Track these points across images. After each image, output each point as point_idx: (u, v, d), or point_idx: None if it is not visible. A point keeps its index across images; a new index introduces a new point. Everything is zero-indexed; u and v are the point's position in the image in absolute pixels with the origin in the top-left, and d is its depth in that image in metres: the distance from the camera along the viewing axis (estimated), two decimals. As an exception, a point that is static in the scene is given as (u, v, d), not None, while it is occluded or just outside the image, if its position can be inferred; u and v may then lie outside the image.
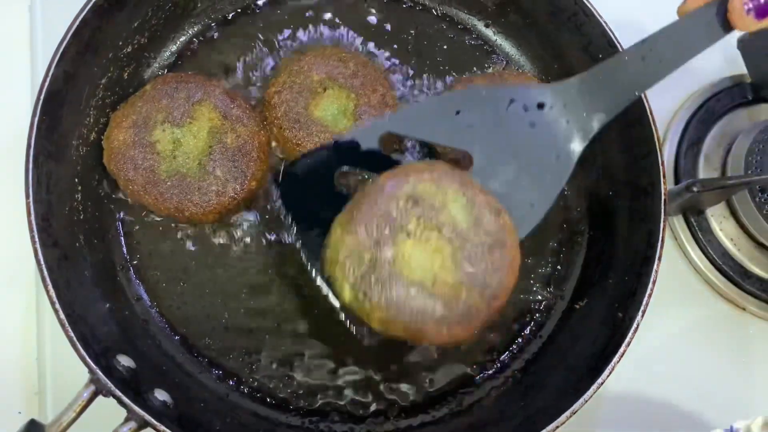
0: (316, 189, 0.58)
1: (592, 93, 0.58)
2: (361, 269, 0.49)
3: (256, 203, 0.69)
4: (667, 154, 0.81)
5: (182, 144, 0.66)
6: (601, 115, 0.58)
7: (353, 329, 0.65)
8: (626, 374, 0.72)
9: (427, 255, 0.50)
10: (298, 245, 0.58)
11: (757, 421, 0.62)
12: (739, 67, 0.83)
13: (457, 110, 0.57)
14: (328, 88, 0.69)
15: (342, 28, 0.76)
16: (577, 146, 0.59)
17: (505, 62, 0.78)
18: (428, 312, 0.50)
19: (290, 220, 0.58)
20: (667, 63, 0.58)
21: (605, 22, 0.69)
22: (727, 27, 0.55)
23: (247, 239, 0.69)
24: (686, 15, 0.56)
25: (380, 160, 0.57)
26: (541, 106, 0.57)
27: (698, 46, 0.57)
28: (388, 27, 0.77)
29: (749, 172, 0.76)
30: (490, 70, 0.78)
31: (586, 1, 0.69)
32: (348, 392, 0.66)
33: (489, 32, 0.79)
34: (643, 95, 0.66)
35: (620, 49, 0.68)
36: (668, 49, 0.57)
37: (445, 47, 0.77)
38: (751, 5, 0.49)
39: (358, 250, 0.49)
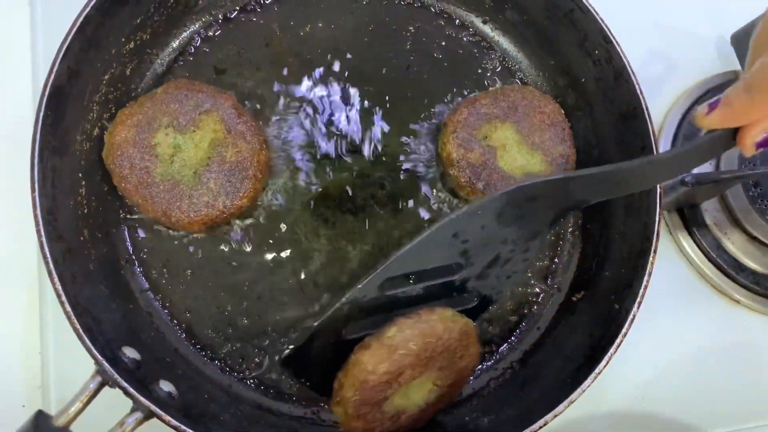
0: (322, 355, 0.58)
1: (581, 188, 0.57)
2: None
3: (247, 216, 0.70)
4: (662, 149, 0.82)
5: (182, 150, 0.66)
6: (584, 201, 0.59)
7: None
8: (621, 366, 0.72)
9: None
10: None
11: None
12: (733, 63, 0.84)
13: (454, 233, 0.57)
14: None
15: (344, 28, 0.77)
16: (555, 221, 0.61)
17: (501, 58, 0.79)
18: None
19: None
20: (664, 176, 0.59)
21: (601, 18, 0.70)
22: (729, 146, 0.55)
23: (248, 238, 0.69)
24: (708, 138, 0.55)
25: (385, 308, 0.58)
26: (532, 199, 0.57)
27: (698, 163, 0.58)
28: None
29: (743, 166, 0.77)
30: (488, 66, 0.79)
31: (582, -2, 0.70)
32: (349, 384, 0.67)
33: (486, 29, 0.80)
34: (638, 89, 0.68)
35: (615, 45, 0.69)
36: (673, 165, 0.57)
37: (443, 44, 0.78)
38: (759, 139, 0.51)
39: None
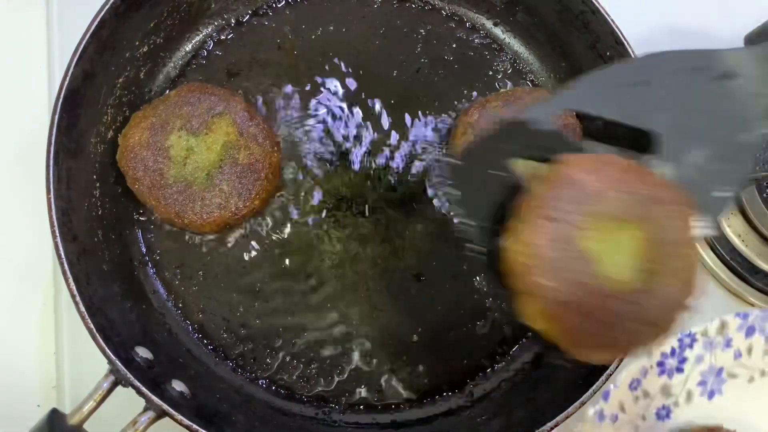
0: (484, 179, 0.48)
1: None
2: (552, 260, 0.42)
3: (259, 218, 0.70)
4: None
5: (195, 153, 0.66)
6: None
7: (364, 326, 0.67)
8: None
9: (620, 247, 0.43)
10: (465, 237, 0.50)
11: (714, 323, 0.62)
12: (747, 65, 0.84)
13: (639, 81, 0.49)
14: None
15: (356, 32, 0.77)
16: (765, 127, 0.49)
17: (512, 60, 0.79)
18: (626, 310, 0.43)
19: (459, 211, 0.50)
20: None
21: (612, 20, 0.69)
22: None
23: (260, 239, 0.70)
24: None
25: (557, 144, 0.49)
26: (731, 75, 0.49)
27: None
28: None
29: (756, 168, 0.77)
30: (499, 68, 0.79)
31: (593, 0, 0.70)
32: (359, 384, 0.67)
33: (497, 31, 0.80)
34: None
35: (627, 46, 0.68)
36: None
37: (454, 46, 0.78)
38: None
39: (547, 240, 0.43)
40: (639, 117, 0.49)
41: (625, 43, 0.69)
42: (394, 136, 0.74)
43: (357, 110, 0.74)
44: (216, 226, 0.66)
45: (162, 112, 0.67)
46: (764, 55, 0.49)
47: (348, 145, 0.73)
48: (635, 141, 0.50)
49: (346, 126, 0.74)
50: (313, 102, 0.74)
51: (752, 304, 0.79)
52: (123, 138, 0.66)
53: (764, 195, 0.76)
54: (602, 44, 0.71)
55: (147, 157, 0.65)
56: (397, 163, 0.73)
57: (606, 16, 0.70)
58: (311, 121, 0.73)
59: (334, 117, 0.74)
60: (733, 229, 0.79)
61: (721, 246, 0.79)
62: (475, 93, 0.77)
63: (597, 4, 0.70)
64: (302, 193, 0.71)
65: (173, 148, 0.66)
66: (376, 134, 0.74)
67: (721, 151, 0.49)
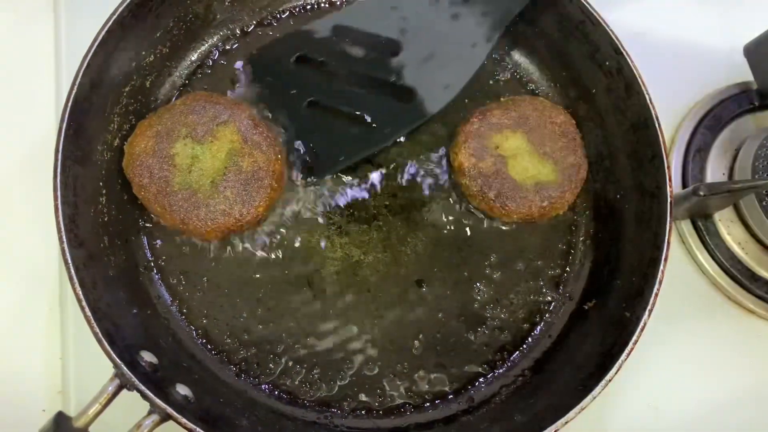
0: (282, 71, 0.73)
1: None
2: None
3: (263, 225, 0.71)
4: (674, 161, 0.82)
5: (200, 160, 0.67)
6: (514, 6, 0.70)
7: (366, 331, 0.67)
8: (634, 376, 0.73)
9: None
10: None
11: None
12: (746, 74, 0.84)
13: (392, 5, 0.73)
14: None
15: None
16: (492, 34, 0.71)
17: (513, 70, 0.80)
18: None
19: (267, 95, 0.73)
20: None
21: (611, 30, 0.70)
22: None
23: (264, 246, 0.71)
24: None
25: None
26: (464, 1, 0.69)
27: None
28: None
29: (756, 176, 0.77)
30: (500, 77, 0.79)
31: (592, 10, 0.71)
32: (361, 390, 0.68)
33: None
34: (648, 100, 0.68)
35: (626, 56, 0.69)
36: None
37: (455, 56, 0.79)
38: None
39: None
40: (389, 30, 0.74)
41: (624, 53, 0.69)
42: (395, 143, 0.75)
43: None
44: (220, 232, 0.67)
45: (167, 120, 0.68)
46: None
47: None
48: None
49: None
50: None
51: (752, 312, 0.79)
52: (129, 146, 0.67)
53: (764, 203, 0.77)
54: (601, 54, 0.72)
55: (152, 165, 0.66)
56: (399, 170, 0.74)
57: (605, 26, 0.70)
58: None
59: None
60: (733, 236, 0.80)
61: (720, 253, 0.79)
62: (477, 102, 0.77)
63: (596, 15, 0.71)
64: (304, 200, 0.72)
65: (178, 155, 0.67)
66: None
67: (446, 54, 0.73)
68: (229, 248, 0.70)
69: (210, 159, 0.67)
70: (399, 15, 0.72)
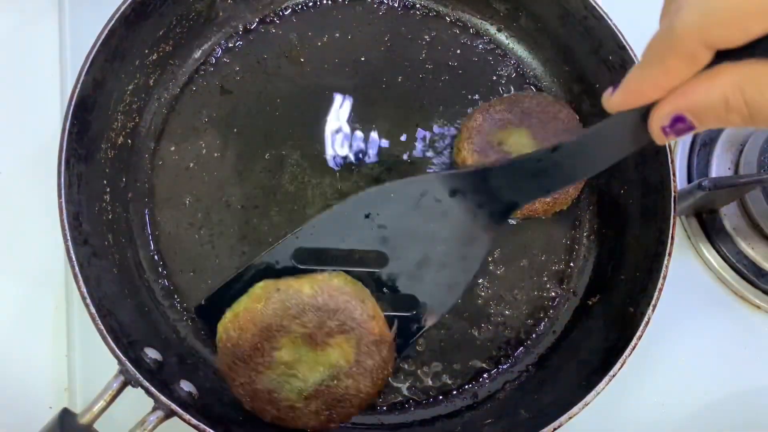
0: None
1: (502, 184, 0.56)
2: None
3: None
4: (679, 155, 0.82)
5: (300, 365, 0.57)
6: (513, 203, 0.57)
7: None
8: (640, 372, 0.73)
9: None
10: None
11: None
12: (751, 68, 0.84)
13: (366, 213, 0.58)
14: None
15: (361, 38, 0.78)
16: (491, 227, 0.59)
17: (516, 66, 0.80)
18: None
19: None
20: (583, 169, 0.54)
21: (615, 25, 0.70)
22: (643, 137, 0.46)
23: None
24: (610, 119, 0.48)
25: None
26: (453, 193, 0.57)
27: (617, 153, 0.50)
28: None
29: (762, 170, 0.77)
30: (503, 73, 0.79)
31: (595, 5, 0.71)
32: (365, 386, 0.68)
33: (501, 36, 0.81)
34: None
35: (629, 51, 0.69)
36: (586, 154, 0.52)
37: (458, 52, 0.79)
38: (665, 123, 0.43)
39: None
40: (368, 243, 0.59)
41: (628, 47, 0.69)
42: (398, 141, 0.75)
43: (362, 114, 0.75)
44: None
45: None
46: (473, 176, 0.57)
47: (352, 150, 0.74)
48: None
49: (351, 130, 0.75)
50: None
51: (758, 307, 0.79)
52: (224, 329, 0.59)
53: (769, 198, 0.76)
54: (605, 49, 0.72)
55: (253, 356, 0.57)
56: (401, 168, 0.74)
57: (608, 20, 0.70)
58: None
59: (338, 121, 0.75)
60: (739, 231, 0.79)
61: (727, 249, 0.79)
62: (478, 98, 0.77)
63: (599, 9, 0.70)
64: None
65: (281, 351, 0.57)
66: (381, 141, 0.75)
67: (443, 255, 0.59)
68: (233, 248, 0.70)
69: (308, 369, 0.57)
70: (375, 224, 0.58)
